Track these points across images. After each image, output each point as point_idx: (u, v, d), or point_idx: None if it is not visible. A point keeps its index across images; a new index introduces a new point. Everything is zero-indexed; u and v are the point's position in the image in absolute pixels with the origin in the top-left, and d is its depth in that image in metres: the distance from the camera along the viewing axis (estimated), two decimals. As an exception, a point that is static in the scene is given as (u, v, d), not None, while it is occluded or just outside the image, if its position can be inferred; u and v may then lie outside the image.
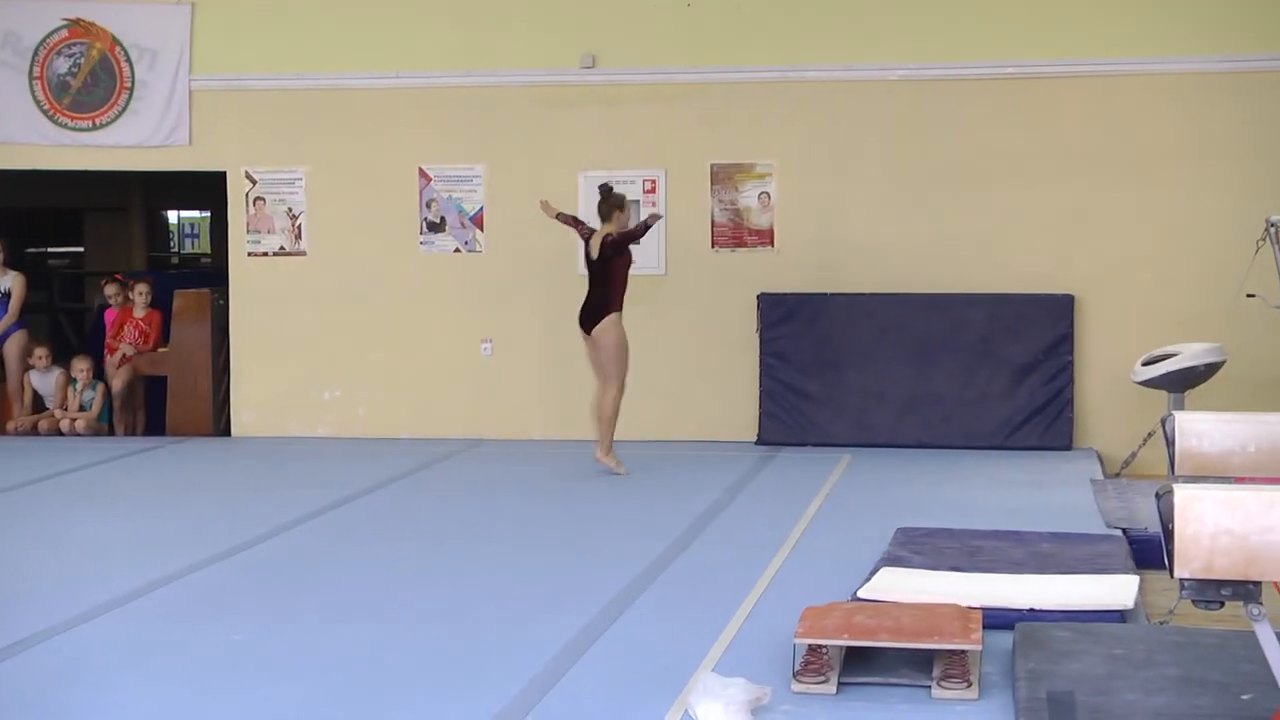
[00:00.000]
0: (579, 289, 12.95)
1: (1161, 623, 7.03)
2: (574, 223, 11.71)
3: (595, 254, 11.28)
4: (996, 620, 6.69)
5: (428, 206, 13.51)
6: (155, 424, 14.27)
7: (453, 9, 13.41)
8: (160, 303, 14.37)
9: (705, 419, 13.00)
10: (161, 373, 14.17)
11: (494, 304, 13.43)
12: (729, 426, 13.04)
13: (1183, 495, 4.05)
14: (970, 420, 12.69)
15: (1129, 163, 12.65)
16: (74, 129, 13.79)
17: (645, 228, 11.32)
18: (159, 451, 13.10)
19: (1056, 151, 12.73)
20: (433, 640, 6.85)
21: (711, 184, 13.15)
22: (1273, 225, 10.92)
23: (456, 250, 13.52)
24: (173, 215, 23.11)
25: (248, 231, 13.75)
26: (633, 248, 11.32)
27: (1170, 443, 5.12)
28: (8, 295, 13.99)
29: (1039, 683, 5.76)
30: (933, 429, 12.73)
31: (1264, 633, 4.13)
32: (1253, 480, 6.32)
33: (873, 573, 7.68)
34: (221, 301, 13.99)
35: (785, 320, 12.95)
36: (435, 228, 13.52)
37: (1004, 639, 6.48)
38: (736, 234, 13.15)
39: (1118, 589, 7.25)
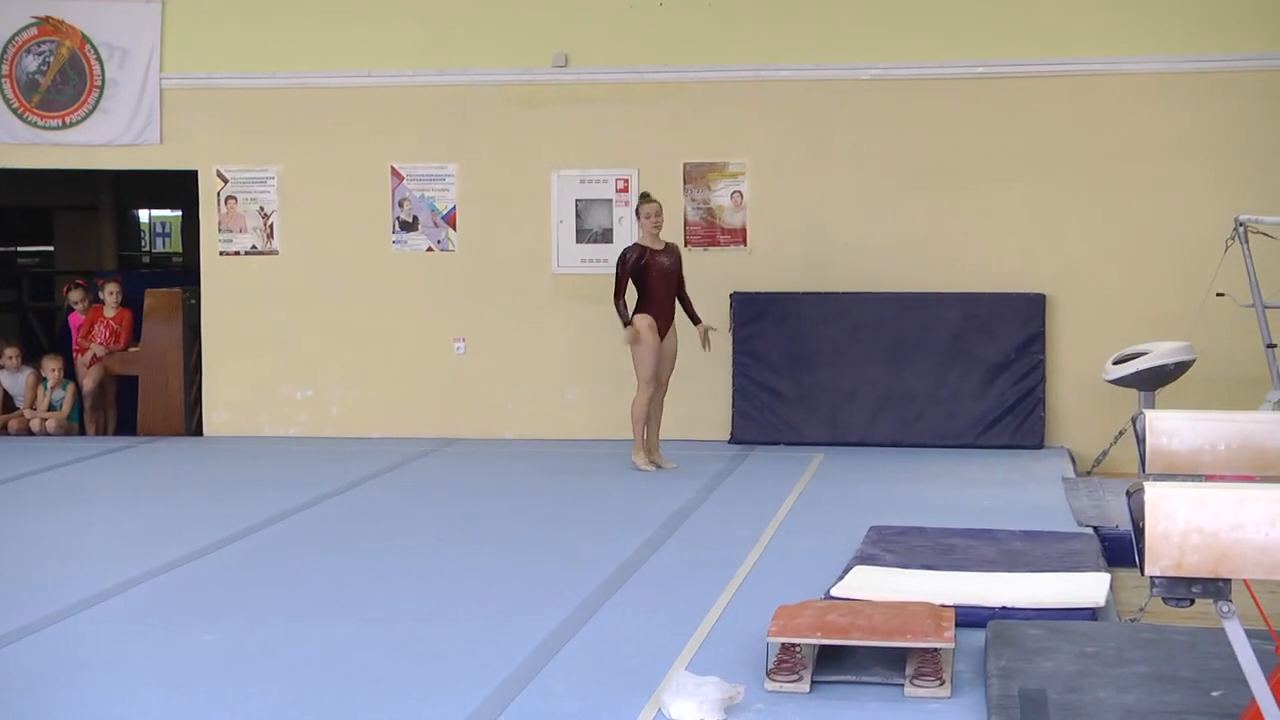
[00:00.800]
0: (551, 288, 12.99)
1: (1132, 620, 7.06)
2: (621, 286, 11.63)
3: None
4: (969, 618, 6.72)
5: (400, 205, 13.49)
6: (126, 424, 14.22)
7: (425, 8, 13.40)
8: (131, 302, 14.32)
9: (678, 418, 12.94)
10: (132, 372, 14.12)
11: (467, 303, 13.41)
12: (702, 426, 13.04)
13: (1153, 493, 4.06)
14: (942, 419, 12.72)
15: (1099, 162, 12.69)
16: (43, 127, 13.74)
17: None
18: (130, 451, 13.05)
19: (1028, 151, 12.76)
20: (405, 640, 6.83)
21: (684, 183, 13.16)
22: (1242, 225, 10.98)
23: (429, 249, 13.50)
24: (144, 214, 23.01)
25: (219, 230, 13.71)
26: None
27: (1141, 441, 5.13)
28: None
29: (1011, 680, 5.77)
30: (905, 428, 12.76)
31: (1233, 630, 4.14)
32: (1223, 478, 6.36)
33: (846, 571, 7.68)
34: (193, 301, 13.94)
35: (758, 319, 12.97)
36: (408, 227, 13.50)
37: (976, 637, 6.50)
38: (709, 233, 13.16)
39: (1089, 587, 7.26)
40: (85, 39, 13.63)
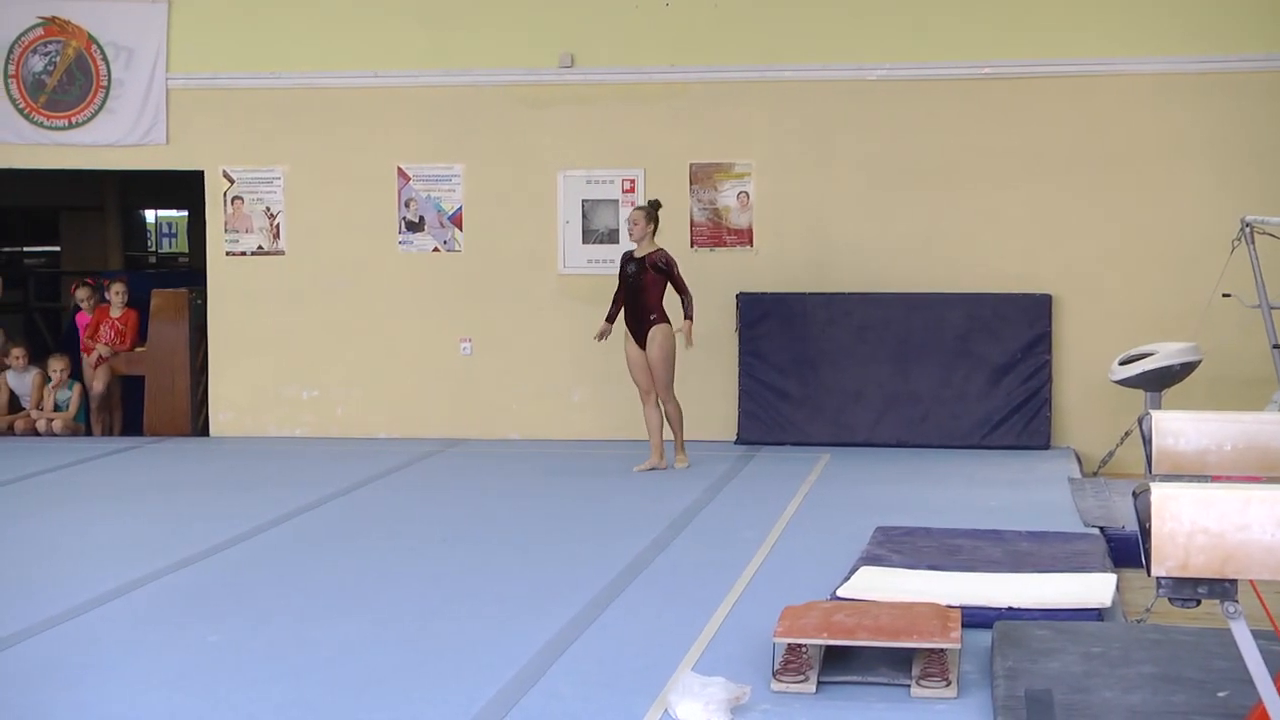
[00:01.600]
0: (557, 289, 12.98)
1: (1138, 621, 7.05)
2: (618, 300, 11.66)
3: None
4: (975, 619, 6.71)
5: (406, 206, 13.49)
6: (133, 424, 14.23)
7: (431, 8, 13.40)
8: (138, 302, 14.32)
9: (685, 418, 12.95)
10: (139, 372, 14.12)
11: (473, 304, 13.41)
12: (708, 426, 13.03)
13: (1159, 494, 4.05)
14: (948, 419, 12.71)
15: (1105, 163, 12.68)
16: (50, 128, 13.75)
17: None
18: (136, 451, 13.05)
19: (1034, 151, 12.75)
20: (411, 640, 6.82)
21: (690, 183, 13.16)
22: (1248, 225, 10.96)
23: (435, 250, 13.50)
24: (150, 214, 23.03)
25: (225, 231, 13.72)
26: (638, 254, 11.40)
27: (1147, 441, 5.12)
28: (-21, 295, 13.99)
29: (1017, 681, 5.76)
30: (911, 428, 12.75)
31: (1239, 630, 4.14)
32: (1229, 479, 6.34)
33: (852, 571, 7.67)
34: (199, 301, 13.95)
35: (764, 319, 12.96)
36: (414, 227, 13.50)
37: (982, 637, 6.49)
38: (715, 233, 13.16)
39: (1095, 587, 7.25)
40: (91, 39, 13.64)
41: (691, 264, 13.03)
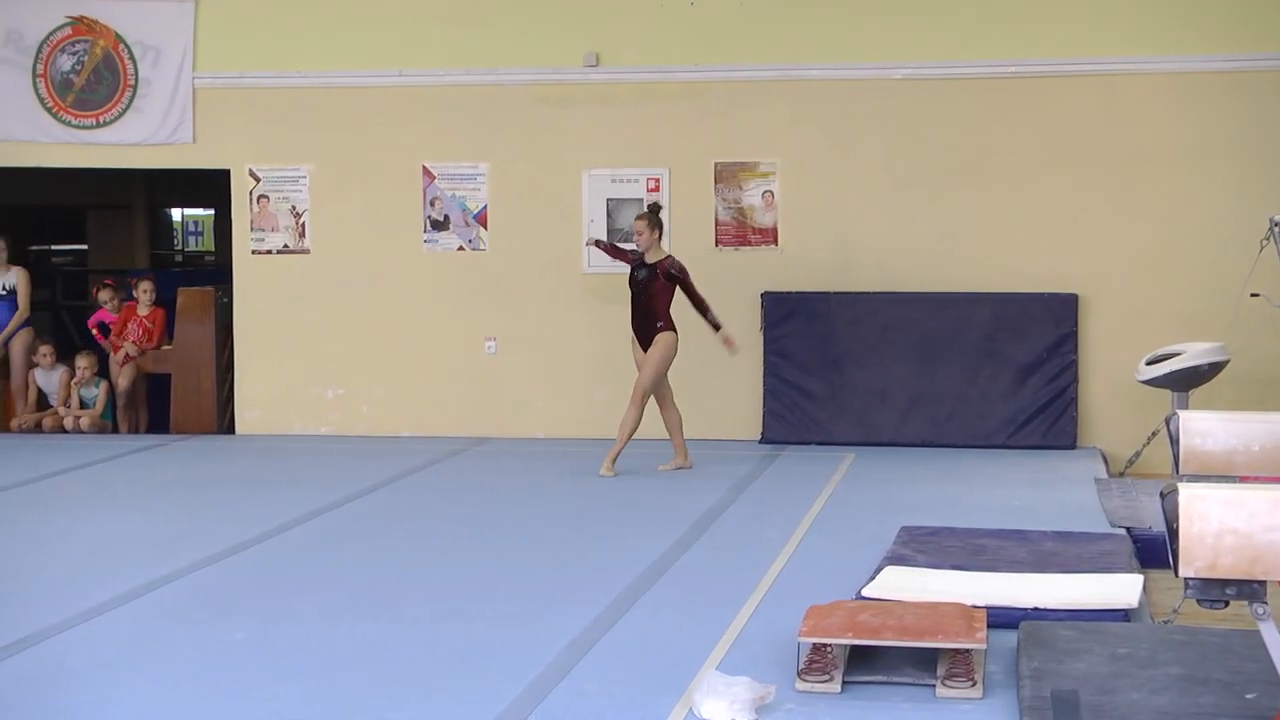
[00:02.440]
0: (582, 288, 12.98)
1: (1166, 622, 7.02)
2: (619, 253, 11.70)
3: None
4: (1001, 619, 6.70)
5: (431, 204, 13.50)
6: (159, 422, 14.26)
7: (456, 7, 13.40)
8: (164, 300, 14.36)
9: (709, 418, 12.96)
10: (165, 370, 14.15)
11: (498, 302, 13.42)
12: (732, 425, 13.03)
13: (1187, 494, 4.04)
14: (974, 419, 12.68)
15: (1132, 162, 12.63)
16: (77, 126, 13.79)
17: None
18: (162, 449, 13.09)
19: (1059, 150, 12.71)
20: (436, 638, 6.83)
21: (715, 182, 13.14)
22: (1276, 224, 10.90)
23: (460, 248, 13.51)
24: (176, 213, 23.09)
25: (251, 229, 13.74)
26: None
27: (1174, 442, 5.11)
28: (12, 292, 13.99)
29: (1043, 681, 5.75)
30: (936, 428, 12.72)
31: (1268, 632, 4.13)
32: (1257, 479, 6.31)
33: (877, 571, 7.67)
34: (225, 299, 13.98)
35: (788, 319, 12.94)
36: (439, 226, 13.51)
37: (1008, 638, 6.48)
38: (740, 233, 13.15)
39: (1122, 588, 7.23)
40: (119, 38, 13.68)
41: (716, 263, 13.07)
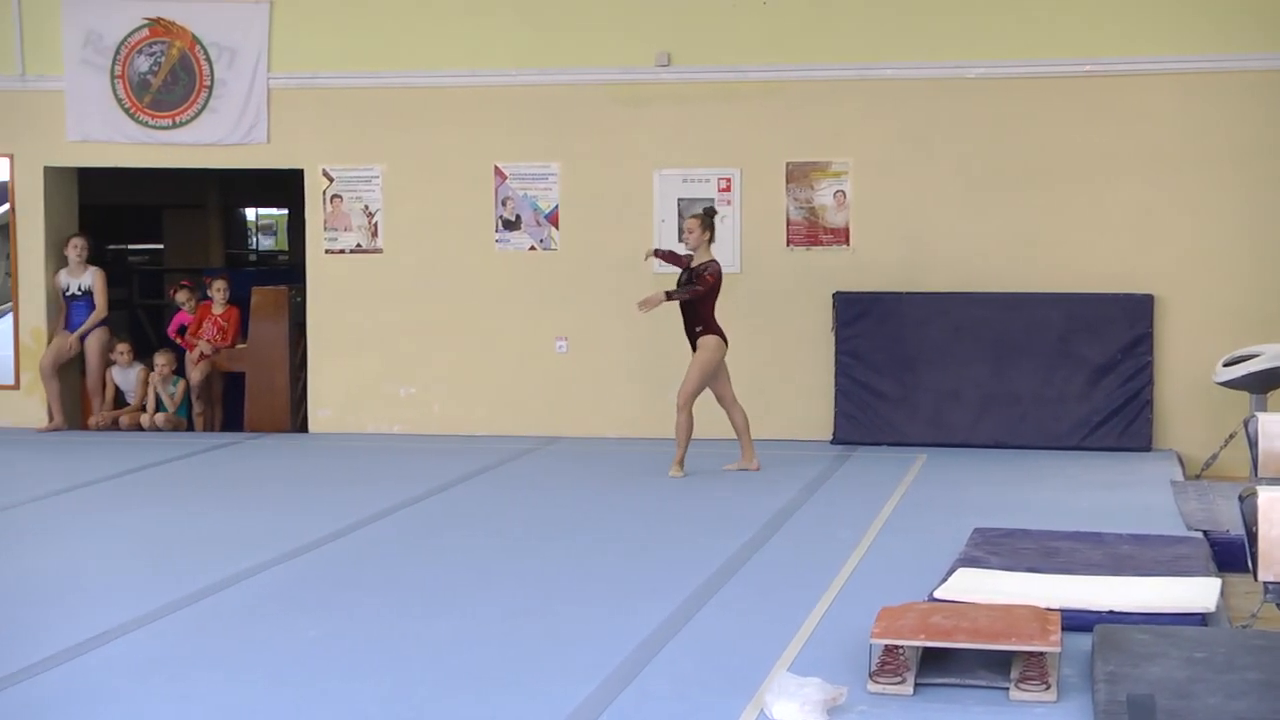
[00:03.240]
0: (653, 287, 12.93)
1: (1244, 626, 6.94)
2: (675, 259, 11.70)
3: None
4: (1075, 622, 6.65)
5: (503, 204, 13.54)
6: (233, 420, 14.36)
7: (528, 7, 13.43)
8: (238, 299, 14.46)
9: (780, 418, 12.94)
10: (239, 369, 14.26)
11: (569, 302, 13.44)
12: (804, 426, 13.00)
13: (1267, 497, 4.00)
14: (1048, 420, 12.59)
15: (1208, 161, 12.50)
16: (154, 127, 13.91)
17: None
18: (237, 447, 13.18)
19: (1135, 149, 12.60)
20: (507, 637, 6.86)
21: (787, 182, 13.11)
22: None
23: (531, 248, 13.54)
24: (250, 212, 23.25)
25: (324, 229, 13.83)
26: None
27: (1253, 444, 5.06)
28: (88, 292, 14.12)
29: (1118, 685, 5.70)
30: (1009, 429, 12.64)
31: (1350, 637, 4.07)
32: (1338, 482, 6.24)
33: (949, 573, 7.63)
34: (298, 298, 14.07)
35: (860, 319, 12.90)
36: (510, 225, 13.54)
37: (1082, 641, 6.43)
38: (812, 232, 13.10)
39: (1198, 591, 7.16)
40: (195, 39, 13.80)
41: (787, 263, 13.05)
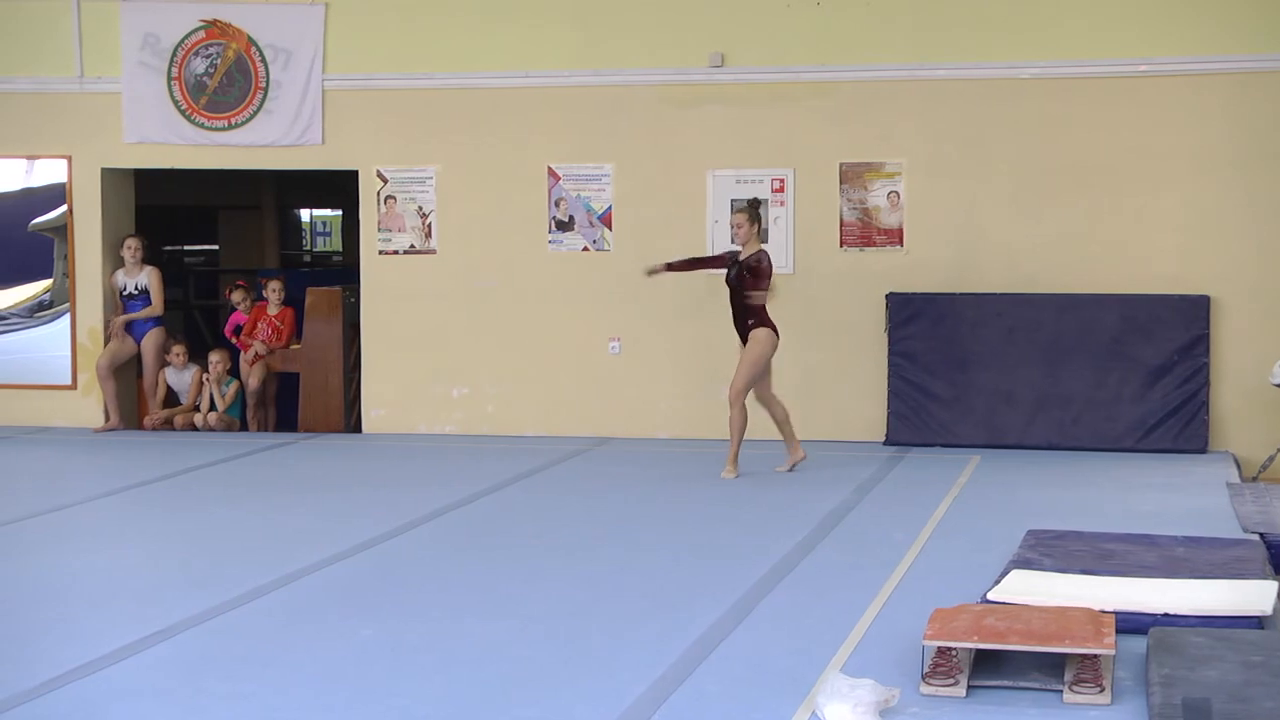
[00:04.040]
0: (707, 288, 12.92)
1: (1300, 629, 6.89)
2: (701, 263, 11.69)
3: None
4: (1129, 625, 6.62)
5: (556, 205, 13.55)
6: (287, 420, 14.42)
7: (582, 8, 13.44)
8: (293, 300, 14.52)
9: (833, 419, 12.92)
10: (294, 369, 14.32)
11: (622, 303, 13.44)
12: (856, 427, 12.97)
13: (1324, 500, 3.97)
14: (1102, 422, 12.51)
15: (1265, 161, 12.40)
16: (210, 128, 14.00)
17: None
18: (291, 447, 13.23)
19: (1191, 150, 12.51)
20: (560, 637, 6.87)
21: (840, 183, 13.08)
22: None
23: (585, 249, 13.55)
24: (305, 213, 23.33)
25: (379, 230, 13.87)
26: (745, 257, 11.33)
27: (1311, 446, 5.02)
28: (144, 292, 14.22)
29: (1174, 689, 5.66)
30: (1063, 431, 12.58)
31: None
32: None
33: (1002, 575, 7.60)
34: (353, 299, 14.11)
35: (913, 320, 12.86)
36: (564, 226, 13.56)
37: (1137, 644, 6.40)
38: (865, 233, 13.07)
39: (1255, 594, 7.10)
40: (251, 41, 13.87)
41: (841, 264, 13.01)
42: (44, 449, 13.30)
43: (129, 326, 14.20)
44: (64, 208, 14.42)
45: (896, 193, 12.99)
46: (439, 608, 7.44)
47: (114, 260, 14.31)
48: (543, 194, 13.57)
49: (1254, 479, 11.54)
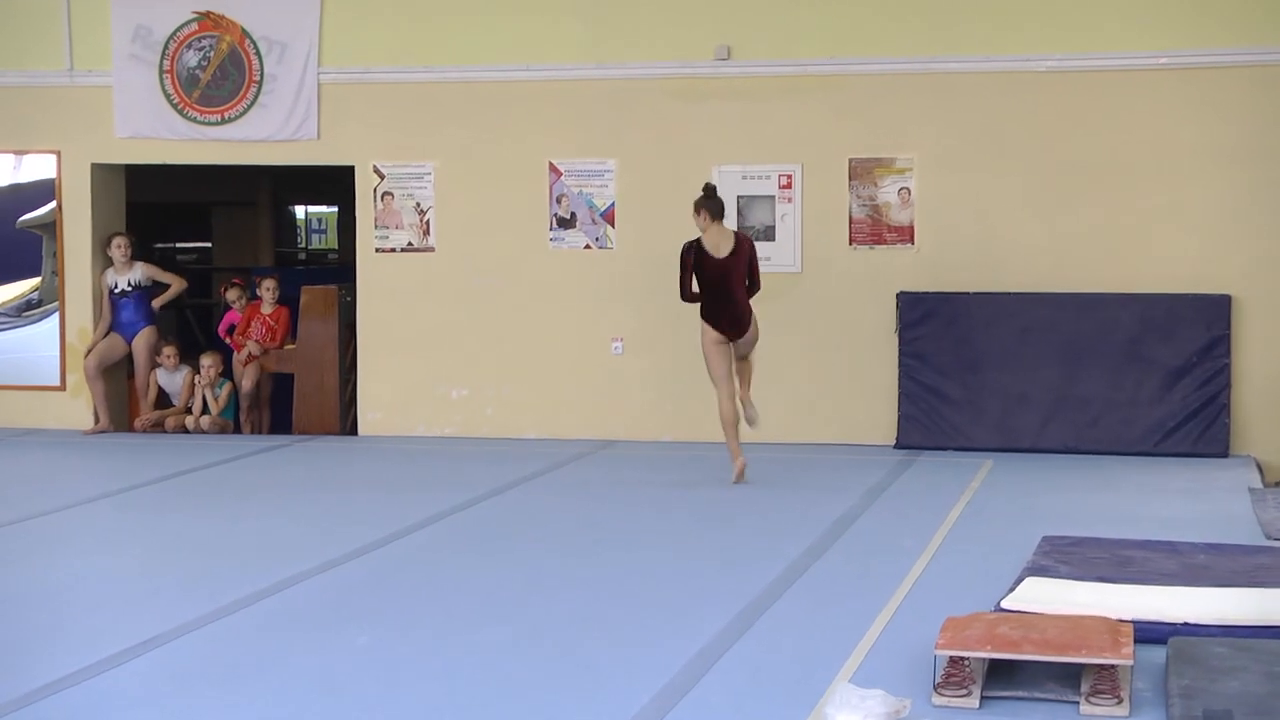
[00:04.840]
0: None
1: (1329, 640, 6.69)
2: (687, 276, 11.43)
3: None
4: (1148, 634, 6.59)
5: (558, 202, 13.34)
6: (281, 422, 14.28)
7: (584, 1, 13.25)
8: (287, 298, 14.33)
9: (842, 422, 12.76)
10: (288, 370, 14.15)
11: (625, 302, 13.24)
12: (866, 430, 12.80)
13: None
14: (1119, 425, 12.32)
15: (1290, 157, 12.21)
16: (203, 123, 13.81)
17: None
18: (285, 450, 13.11)
19: (1212, 145, 12.31)
20: (562, 645, 6.84)
21: (849, 179, 12.87)
22: None
23: (587, 247, 13.34)
24: (300, 210, 23.16)
25: (375, 227, 13.69)
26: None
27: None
28: (138, 288, 14.06)
29: (1194, 700, 5.61)
30: (1079, 434, 12.40)
31: None
32: None
33: (1017, 582, 7.52)
34: (349, 298, 13.96)
35: (925, 320, 12.67)
36: (565, 224, 13.35)
37: (1156, 654, 6.37)
38: (875, 231, 12.84)
39: (1278, 603, 7.01)
40: (245, 34, 13.68)
41: (849, 262, 12.85)
42: (33, 451, 13.20)
43: (117, 323, 13.98)
44: (53, 204, 14.29)
45: (907, 189, 12.77)
46: (436, 615, 7.40)
47: (104, 259, 14.14)
48: (544, 190, 13.36)
49: (1277, 484, 11.46)
